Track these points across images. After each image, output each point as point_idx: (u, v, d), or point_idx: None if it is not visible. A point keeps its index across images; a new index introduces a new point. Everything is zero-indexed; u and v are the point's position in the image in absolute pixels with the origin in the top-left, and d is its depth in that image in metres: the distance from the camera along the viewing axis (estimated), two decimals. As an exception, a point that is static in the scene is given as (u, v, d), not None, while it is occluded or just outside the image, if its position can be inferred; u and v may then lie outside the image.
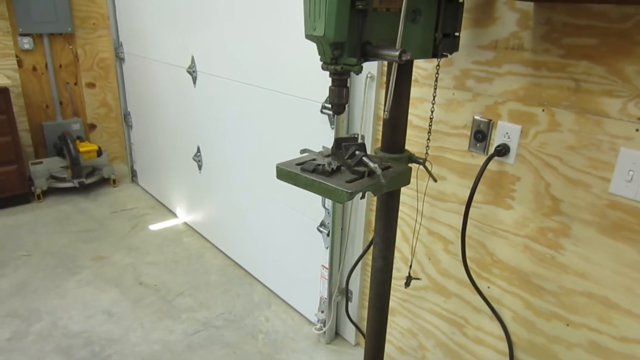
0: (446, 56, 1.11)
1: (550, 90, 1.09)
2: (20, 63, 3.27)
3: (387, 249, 1.24)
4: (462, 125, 1.30)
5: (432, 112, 1.12)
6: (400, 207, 1.54)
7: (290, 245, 2.05)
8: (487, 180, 1.27)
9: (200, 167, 2.60)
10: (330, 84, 0.96)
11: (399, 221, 1.56)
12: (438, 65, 1.08)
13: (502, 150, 1.19)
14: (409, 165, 1.14)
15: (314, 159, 1.07)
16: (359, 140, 1.07)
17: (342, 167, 1.01)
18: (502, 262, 1.29)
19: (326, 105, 1.61)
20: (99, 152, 3.38)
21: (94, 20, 3.48)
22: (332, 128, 1.61)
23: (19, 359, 1.83)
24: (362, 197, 0.99)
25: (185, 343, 1.93)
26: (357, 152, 1.01)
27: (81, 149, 3.27)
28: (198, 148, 2.57)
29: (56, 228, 2.87)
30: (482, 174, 1.18)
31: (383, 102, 1.30)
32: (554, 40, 1.06)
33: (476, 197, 1.31)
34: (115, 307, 2.15)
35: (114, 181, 3.50)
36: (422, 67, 1.36)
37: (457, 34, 1.10)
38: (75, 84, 3.58)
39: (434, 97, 1.11)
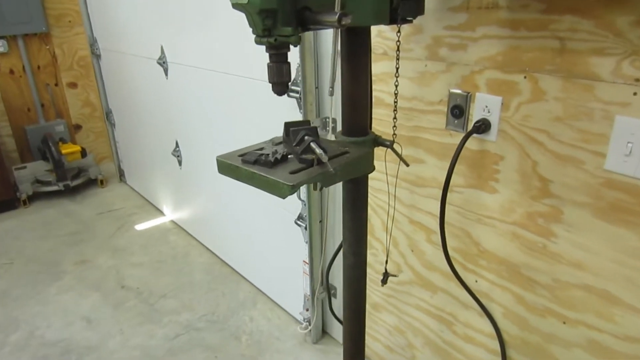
0: (410, 21, 0.95)
1: (532, 54, 0.93)
2: (-4, 66, 3.16)
3: (357, 243, 1.11)
4: (437, 101, 1.15)
5: (396, 86, 0.97)
6: (378, 194, 1.40)
7: (273, 240, 1.93)
8: (467, 161, 1.13)
9: (180, 162, 2.48)
10: (268, 61, 0.83)
11: (378, 210, 1.42)
12: (399, 32, 0.93)
13: (482, 127, 1.04)
14: (376, 148, 1.00)
15: (261, 148, 0.94)
16: (312, 124, 0.93)
17: (290, 156, 0.88)
18: (489, 252, 1.15)
19: (293, 88, 1.46)
20: (83, 153, 3.28)
21: (70, 18, 3.35)
22: (301, 113, 1.47)
23: (-9, 373, 1.75)
24: (316, 188, 0.86)
25: (165, 348, 1.83)
26: (305, 138, 0.88)
27: (64, 151, 3.17)
28: (176, 143, 2.45)
29: (41, 233, 2.78)
30: (459, 155, 1.04)
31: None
32: (533, -6, 0.90)
33: (457, 180, 1.16)
34: (95, 313, 2.06)
35: (102, 182, 3.41)
36: (390, 38, 1.20)
37: (420, -6, 0.94)
38: (56, 84, 3.46)
39: (397, 69, 0.97)
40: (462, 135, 1.10)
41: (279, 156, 0.84)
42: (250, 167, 0.84)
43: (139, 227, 2.81)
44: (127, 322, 1.99)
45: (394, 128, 1.01)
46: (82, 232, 2.77)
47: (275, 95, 0.85)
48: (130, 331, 1.93)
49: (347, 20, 0.71)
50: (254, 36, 0.79)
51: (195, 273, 2.32)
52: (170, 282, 2.26)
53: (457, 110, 1.10)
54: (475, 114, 1.06)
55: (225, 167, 0.88)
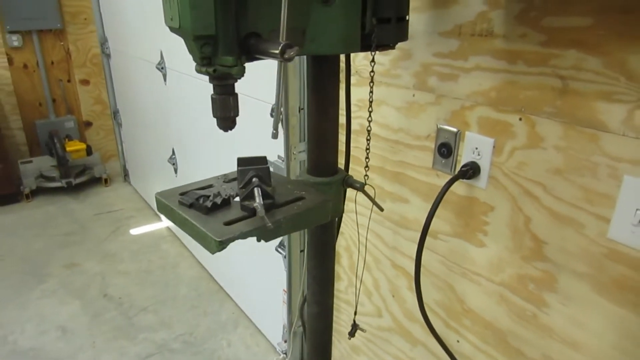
0: (390, 47, 0.82)
1: (529, 92, 0.79)
2: (10, 61, 3.17)
3: (321, 292, 0.98)
4: (425, 136, 1.01)
5: (369, 121, 0.84)
6: (362, 231, 1.27)
7: (257, 263, 1.81)
8: (454, 207, 0.98)
9: (175, 170, 2.40)
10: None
11: (362, 248, 1.29)
12: (372, 61, 0.80)
13: (470, 171, 0.90)
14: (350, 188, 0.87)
15: (209, 186, 0.82)
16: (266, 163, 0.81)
17: (237, 199, 0.76)
18: (473, 312, 1.00)
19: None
20: (89, 151, 3.25)
21: (85, 15, 3.34)
22: (284, 136, 1.35)
23: (-45, 381, 1.69)
24: (263, 239, 0.73)
25: (135, 370, 1.74)
26: (253, 180, 0.75)
27: (69, 148, 3.15)
28: (173, 150, 2.37)
29: (37, 231, 2.75)
30: (441, 200, 0.89)
31: (345, 105, 1.04)
32: (532, 22, 0.76)
33: (443, 227, 1.02)
34: (72, 322, 1.98)
35: (106, 180, 3.37)
36: (379, 62, 1.07)
37: (403, 17, 0.81)
38: (69, 81, 3.46)
39: (371, 102, 0.84)
40: (449, 177, 0.96)
41: (219, 200, 0.72)
42: (184, 211, 0.72)
43: (134, 231, 2.75)
44: (101, 336, 1.90)
45: (366, 168, 0.88)
46: (76, 233, 2.72)
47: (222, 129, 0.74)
48: (102, 346, 1.85)
49: (291, 53, 0.59)
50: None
51: (181, 287, 2.23)
52: (154, 295, 2.17)
53: (445, 149, 0.96)
54: (465, 156, 0.92)
55: (162, 206, 0.77)
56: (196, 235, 0.69)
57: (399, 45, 1.00)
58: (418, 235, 1.08)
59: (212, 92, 0.71)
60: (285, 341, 1.67)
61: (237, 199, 0.75)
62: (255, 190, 0.70)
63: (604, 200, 0.72)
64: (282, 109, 1.31)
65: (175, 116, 2.22)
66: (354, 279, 1.35)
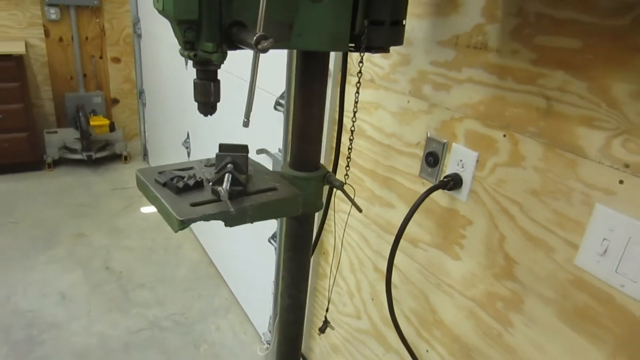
0: (384, 51, 0.83)
1: (516, 109, 0.78)
2: (47, 33, 3.29)
3: (294, 286, 0.99)
4: (415, 143, 1.01)
5: (353, 122, 0.84)
6: (349, 232, 1.27)
7: (253, 253, 1.84)
8: (436, 218, 0.98)
9: (189, 154, 2.45)
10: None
11: (348, 248, 1.30)
12: (361, 62, 0.80)
13: (451, 182, 0.89)
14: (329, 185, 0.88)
15: (189, 168, 0.85)
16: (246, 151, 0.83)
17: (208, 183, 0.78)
18: (443, 324, 1.00)
19: (280, 100, 1.36)
20: (111, 127, 3.35)
21: (122, -6, 3.44)
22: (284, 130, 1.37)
23: (-44, 330, 1.78)
24: (227, 224, 0.75)
25: (123, 341, 1.79)
26: (228, 166, 0.77)
27: (93, 123, 3.25)
28: (188, 134, 2.42)
29: (54, 199, 2.86)
30: (417, 208, 0.89)
31: (338, 103, 1.05)
32: (525, 39, 0.75)
33: (424, 236, 1.02)
34: (72, 290, 2.06)
35: (126, 158, 3.47)
36: (378, 65, 1.08)
37: (399, 21, 0.81)
38: (101, 57, 3.57)
39: (356, 103, 0.84)
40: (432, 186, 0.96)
41: (191, 182, 0.75)
42: (157, 189, 0.75)
43: (145, 209, 2.82)
44: (97, 306, 1.97)
45: (347, 168, 0.89)
46: (90, 205, 2.81)
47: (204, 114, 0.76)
48: (97, 315, 1.91)
49: (265, 44, 0.60)
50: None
51: (180, 268, 2.28)
52: (153, 273, 2.23)
53: (432, 159, 0.96)
54: (449, 167, 0.92)
55: (140, 183, 0.80)
56: (163, 212, 0.71)
57: (400, 50, 1.01)
58: (401, 241, 1.09)
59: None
60: (270, 332, 1.69)
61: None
62: (226, 175, 0.72)
63: (575, 226, 0.71)
64: (285, 101, 1.32)
65: (191, 101, 2.26)
66: (340, 279, 1.36)
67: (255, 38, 0.60)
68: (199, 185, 0.76)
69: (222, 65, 0.70)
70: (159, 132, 3.08)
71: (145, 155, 3.53)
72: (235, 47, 0.69)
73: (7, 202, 2.75)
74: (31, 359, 1.67)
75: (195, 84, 0.73)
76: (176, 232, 0.68)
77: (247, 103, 0.66)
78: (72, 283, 2.10)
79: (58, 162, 3.32)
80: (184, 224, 0.66)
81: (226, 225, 0.71)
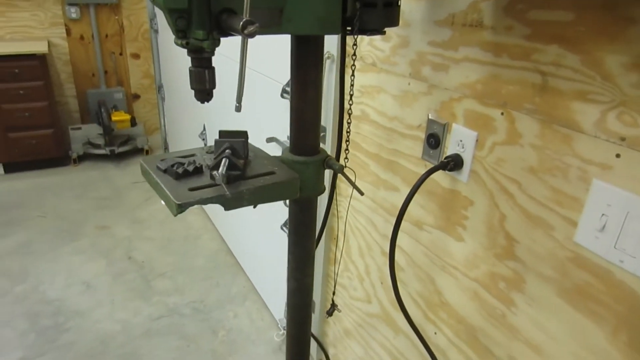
0: (380, 33, 0.83)
1: (512, 86, 0.77)
2: (68, 32, 3.39)
3: (299, 269, 1.02)
4: (416, 126, 1.00)
5: (350, 105, 0.85)
6: (357, 217, 1.28)
7: (269, 240, 1.87)
8: (439, 199, 0.98)
9: (205, 145, 2.49)
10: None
11: (356, 232, 1.31)
12: (354, 44, 0.80)
13: (451, 163, 0.89)
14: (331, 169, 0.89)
15: (191, 155, 0.87)
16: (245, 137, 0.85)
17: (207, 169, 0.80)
18: (450, 306, 1.00)
19: (286, 88, 1.37)
20: (133, 122, 3.44)
21: (139, -9, 3.50)
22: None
23: (-11, 318, 1.87)
24: (226, 208, 0.77)
25: (145, 328, 1.86)
26: (226, 151, 0.79)
27: (114, 118, 3.34)
28: (204, 126, 2.46)
29: (78, 192, 2.96)
30: (417, 189, 0.89)
31: (348, 89, 1.05)
32: (519, 14, 0.73)
33: (428, 218, 1.02)
34: (96, 279, 2.14)
35: (147, 152, 3.56)
36: (380, 48, 1.07)
37: (393, 2, 0.81)
38: (121, 54, 3.65)
39: (352, 86, 0.84)
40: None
41: (190, 168, 0.77)
42: (158, 175, 0.77)
43: (165, 202, 2.89)
44: (120, 294, 2.04)
45: (346, 152, 0.90)
46: (112, 198, 2.90)
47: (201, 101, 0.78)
48: (120, 304, 1.99)
49: (251, 29, 0.61)
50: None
51: (199, 258, 2.34)
52: (173, 262, 2.29)
53: (433, 140, 0.95)
54: (450, 148, 0.91)
55: (143, 170, 0.83)
56: (163, 197, 0.74)
57: (399, 31, 1.00)
58: (406, 225, 1.09)
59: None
60: (286, 318, 1.72)
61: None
62: (223, 160, 0.74)
63: (573, 203, 0.70)
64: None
65: (206, 94, 2.31)
66: (349, 264, 1.37)
67: (241, 23, 0.61)
68: (198, 170, 0.78)
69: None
70: (178, 126, 3.14)
71: (165, 148, 3.60)
72: (226, 34, 0.70)
73: (35, 196, 2.87)
74: (57, 345, 1.75)
75: (190, 72, 0.74)
76: (175, 215, 0.70)
77: (238, 88, 0.67)
78: (96, 273, 2.18)
79: (83, 157, 3.43)
80: (181, 208, 0.68)
81: (225, 208, 0.73)
